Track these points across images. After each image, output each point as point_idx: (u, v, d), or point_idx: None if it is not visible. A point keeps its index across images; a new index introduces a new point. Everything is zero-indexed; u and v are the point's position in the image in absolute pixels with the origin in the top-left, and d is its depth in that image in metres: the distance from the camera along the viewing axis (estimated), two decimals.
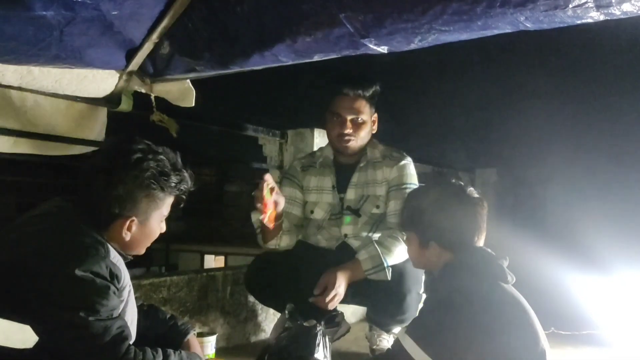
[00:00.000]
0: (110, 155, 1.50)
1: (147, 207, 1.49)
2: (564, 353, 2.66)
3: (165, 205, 1.54)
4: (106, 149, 1.54)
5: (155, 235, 1.58)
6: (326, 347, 2.16)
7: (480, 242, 1.67)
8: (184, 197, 1.57)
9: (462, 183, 1.73)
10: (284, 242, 2.44)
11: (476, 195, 1.69)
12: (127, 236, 1.49)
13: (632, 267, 3.21)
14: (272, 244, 2.43)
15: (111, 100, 2.39)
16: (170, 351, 1.49)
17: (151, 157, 1.47)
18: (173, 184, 1.51)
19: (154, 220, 1.53)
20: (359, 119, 2.39)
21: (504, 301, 1.54)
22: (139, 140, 1.51)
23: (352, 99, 2.38)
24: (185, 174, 1.55)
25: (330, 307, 2.20)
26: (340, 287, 2.20)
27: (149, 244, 1.58)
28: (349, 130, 2.39)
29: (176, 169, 1.52)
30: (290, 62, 2.00)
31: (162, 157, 1.49)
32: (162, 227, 1.59)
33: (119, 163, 1.45)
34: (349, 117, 2.38)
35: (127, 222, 1.47)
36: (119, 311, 1.43)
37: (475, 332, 1.47)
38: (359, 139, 2.42)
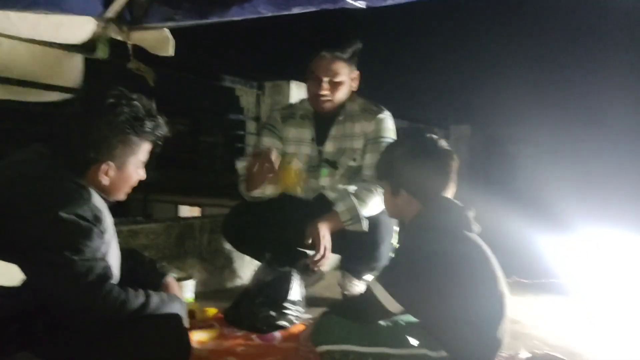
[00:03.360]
0: (84, 101, 1.54)
1: (122, 152, 1.52)
2: (524, 300, 2.81)
3: (141, 150, 1.57)
4: (81, 96, 1.56)
5: (133, 181, 1.61)
6: (300, 292, 2.26)
7: (450, 194, 1.74)
8: (159, 143, 1.61)
9: (435, 136, 1.77)
10: (269, 190, 2.47)
11: (447, 148, 1.74)
12: (105, 180, 1.52)
13: (593, 224, 3.36)
14: (257, 193, 2.46)
15: (88, 47, 2.37)
16: (151, 292, 1.54)
17: (125, 103, 1.49)
18: (148, 129, 1.54)
19: (131, 165, 1.56)
20: (336, 80, 2.43)
21: (467, 248, 1.63)
22: (113, 86, 1.53)
23: (329, 60, 2.41)
24: (160, 120, 1.57)
25: (325, 260, 2.29)
26: (326, 237, 2.28)
27: (128, 190, 1.62)
28: (325, 92, 2.44)
29: (150, 114, 1.54)
30: (269, 14, 2.01)
31: (136, 102, 1.51)
32: (141, 174, 1.62)
33: (93, 109, 1.48)
34: (326, 79, 2.43)
35: (104, 167, 1.50)
36: (103, 252, 1.47)
37: (438, 279, 1.56)
38: (336, 99, 2.47)
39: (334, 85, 2.44)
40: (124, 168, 1.55)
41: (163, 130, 1.59)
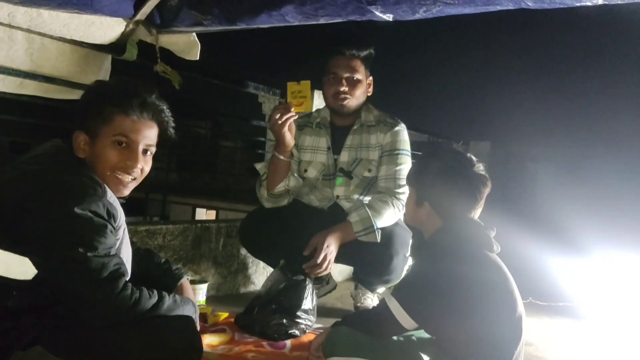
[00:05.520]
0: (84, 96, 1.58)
1: (94, 120, 1.49)
2: (539, 322, 2.78)
3: (115, 123, 1.49)
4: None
5: (109, 159, 1.50)
6: (313, 302, 2.26)
7: (474, 216, 1.71)
8: (140, 118, 1.52)
9: (474, 158, 1.73)
10: (292, 182, 2.47)
11: (482, 172, 1.70)
12: (81, 153, 1.49)
13: (610, 249, 3.33)
14: (281, 186, 2.44)
15: (116, 48, 2.41)
16: (165, 293, 1.54)
17: (114, 80, 1.53)
18: (127, 102, 1.49)
19: (104, 138, 1.49)
20: (354, 78, 2.45)
21: (488, 268, 1.61)
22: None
23: (347, 58, 2.44)
24: (149, 100, 1.53)
25: (322, 268, 2.26)
26: (330, 247, 2.27)
27: (107, 170, 1.51)
28: (344, 88, 2.44)
29: (138, 94, 1.52)
30: (297, 23, 2.02)
31: (127, 80, 1.53)
32: (127, 155, 1.51)
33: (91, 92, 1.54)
34: (345, 75, 2.44)
35: (76, 134, 1.49)
36: (116, 249, 1.48)
37: (457, 299, 1.53)
38: (355, 98, 2.47)
39: (353, 84, 2.45)
40: (96, 141, 1.49)
41: (149, 110, 1.53)
